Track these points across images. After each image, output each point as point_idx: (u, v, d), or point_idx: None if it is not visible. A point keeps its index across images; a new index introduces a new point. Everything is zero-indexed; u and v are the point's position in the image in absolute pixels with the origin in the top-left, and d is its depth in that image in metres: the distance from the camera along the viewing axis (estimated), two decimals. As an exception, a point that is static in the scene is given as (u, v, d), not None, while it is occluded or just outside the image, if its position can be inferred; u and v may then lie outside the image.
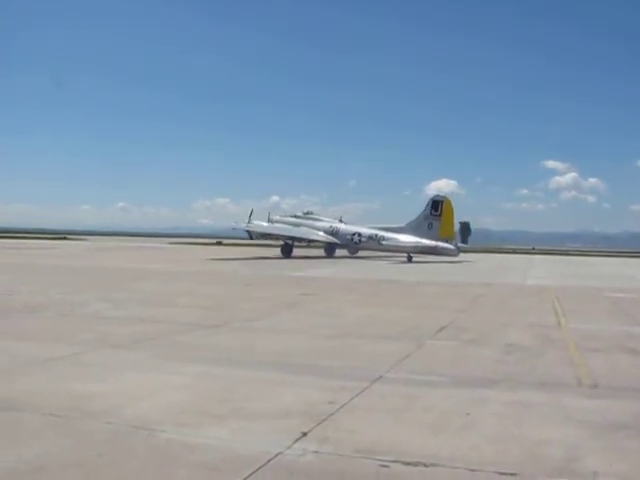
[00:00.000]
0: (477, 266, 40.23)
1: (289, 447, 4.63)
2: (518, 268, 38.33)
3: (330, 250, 46.91)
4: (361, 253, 47.68)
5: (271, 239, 48.21)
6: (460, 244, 45.55)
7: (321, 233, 46.43)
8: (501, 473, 4.26)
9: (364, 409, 5.73)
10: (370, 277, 25.74)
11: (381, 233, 44.32)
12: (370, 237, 44.63)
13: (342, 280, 24.10)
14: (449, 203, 43.97)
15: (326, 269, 31.12)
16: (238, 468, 4.20)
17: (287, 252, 44.78)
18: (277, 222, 47.94)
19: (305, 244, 47.79)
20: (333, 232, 46.34)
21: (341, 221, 47.88)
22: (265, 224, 46.84)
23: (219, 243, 64.85)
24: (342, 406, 5.78)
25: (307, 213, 49.45)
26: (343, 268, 32.51)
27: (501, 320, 12.57)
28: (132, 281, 20.11)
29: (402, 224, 44.83)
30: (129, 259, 37.49)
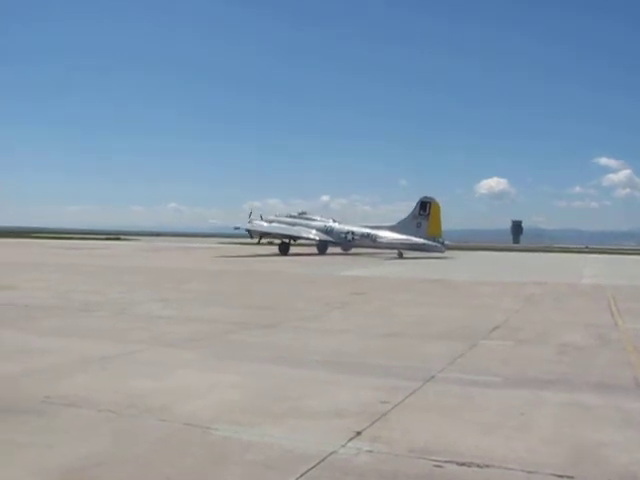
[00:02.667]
0: (530, 265, 39.87)
1: (343, 446, 4.64)
2: (572, 267, 37.68)
3: (323, 248, 48.94)
4: (353, 250, 49.64)
5: (270, 238, 51.23)
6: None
7: (315, 232, 48.79)
8: (558, 476, 4.18)
9: (417, 409, 5.70)
10: (419, 276, 25.56)
11: (374, 231, 47.12)
12: (363, 235, 47.31)
13: (391, 279, 24.01)
14: (436, 204, 46.64)
15: (373, 268, 31.10)
16: (292, 466, 4.22)
17: (284, 250, 47.27)
18: (274, 222, 50.50)
19: (299, 242, 50.40)
20: (327, 231, 48.77)
21: (334, 221, 50.17)
22: (265, 224, 49.66)
23: (270, 242, 65.62)
24: (395, 406, 5.76)
25: (301, 213, 51.82)
26: (390, 268, 32.38)
27: (556, 320, 12.36)
28: (183, 281, 20.39)
29: (393, 223, 47.79)
30: (178, 259, 38.04)
